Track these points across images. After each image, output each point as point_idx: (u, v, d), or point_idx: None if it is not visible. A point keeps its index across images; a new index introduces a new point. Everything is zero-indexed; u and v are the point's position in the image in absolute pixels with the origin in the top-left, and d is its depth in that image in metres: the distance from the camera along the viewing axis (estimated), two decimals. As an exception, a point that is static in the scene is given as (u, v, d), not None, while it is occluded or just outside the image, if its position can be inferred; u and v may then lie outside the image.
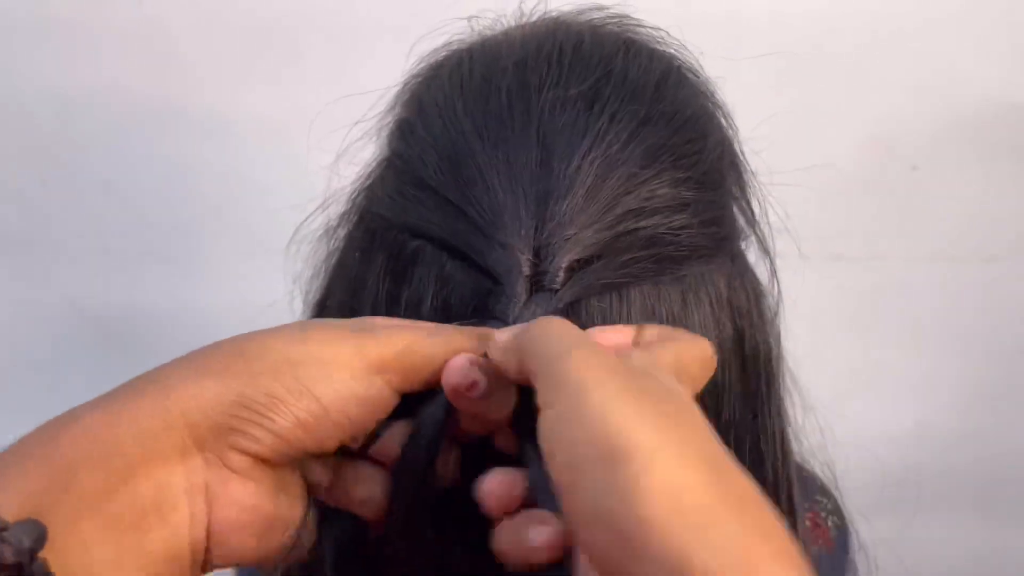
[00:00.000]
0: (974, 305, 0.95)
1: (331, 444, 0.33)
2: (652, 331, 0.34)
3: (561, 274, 0.36)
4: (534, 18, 0.46)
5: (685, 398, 0.30)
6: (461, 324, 0.36)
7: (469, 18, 0.47)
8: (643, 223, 0.37)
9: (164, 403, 0.31)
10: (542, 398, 0.29)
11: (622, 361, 0.30)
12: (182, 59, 0.84)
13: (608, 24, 0.45)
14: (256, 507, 0.33)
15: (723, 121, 0.44)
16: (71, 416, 0.31)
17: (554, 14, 0.46)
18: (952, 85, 0.88)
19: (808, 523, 0.56)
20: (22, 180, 0.88)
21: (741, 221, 0.43)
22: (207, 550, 0.32)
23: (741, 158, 0.44)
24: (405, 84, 0.45)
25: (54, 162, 0.87)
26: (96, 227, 0.89)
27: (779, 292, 0.44)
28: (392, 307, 0.39)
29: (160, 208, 0.88)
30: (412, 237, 0.39)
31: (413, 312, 0.38)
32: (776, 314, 0.44)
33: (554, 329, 0.31)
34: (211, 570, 0.33)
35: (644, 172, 0.37)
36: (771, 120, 0.85)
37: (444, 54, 0.45)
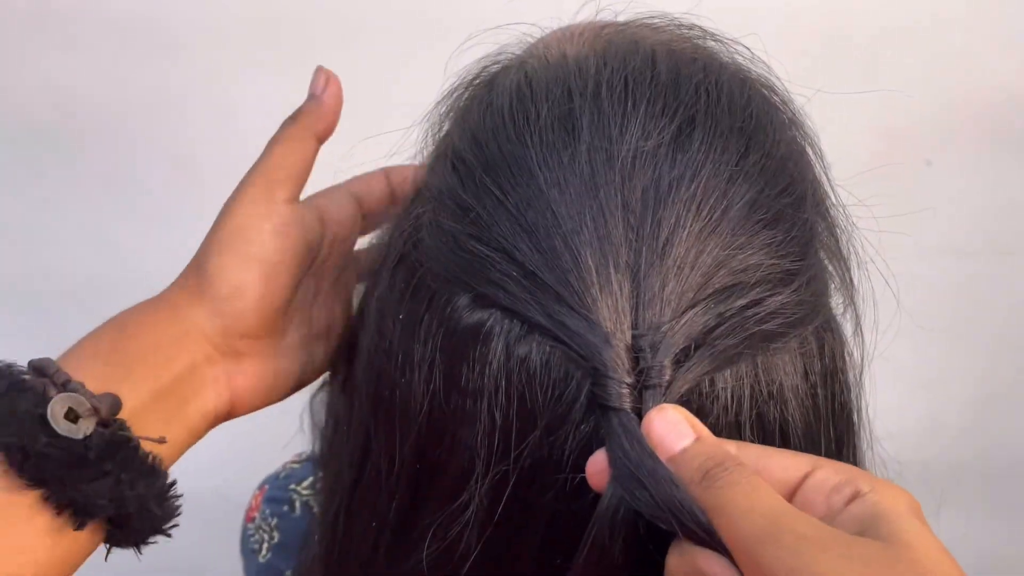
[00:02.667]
0: (986, 299, 0.94)
1: (293, 278, 0.42)
2: (834, 467, 0.30)
3: (667, 370, 0.32)
4: (589, 17, 0.41)
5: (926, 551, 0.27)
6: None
7: (507, 26, 0.42)
8: (743, 301, 0.33)
9: (177, 318, 0.41)
10: (754, 572, 0.27)
11: (842, 541, 0.27)
12: (183, 51, 0.84)
13: (679, 40, 0.40)
14: (262, 373, 0.43)
15: (812, 154, 0.40)
16: (118, 325, 0.40)
17: (616, 25, 0.40)
18: (966, 79, 0.87)
19: None
20: (21, 172, 0.87)
21: (831, 269, 0.39)
22: (231, 408, 0.42)
23: (830, 194, 0.40)
24: (451, 101, 0.41)
25: (54, 154, 0.87)
26: (96, 219, 0.88)
27: (863, 345, 0.41)
28: (450, 392, 0.34)
29: (161, 200, 0.87)
30: (477, 305, 0.34)
31: (475, 399, 0.33)
32: (861, 370, 0.40)
33: (754, 505, 0.28)
34: (238, 415, 0.43)
35: (738, 239, 0.33)
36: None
37: (496, 69, 0.40)
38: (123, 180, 0.87)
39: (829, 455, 0.36)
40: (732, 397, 0.33)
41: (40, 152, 0.87)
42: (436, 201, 0.37)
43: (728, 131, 0.35)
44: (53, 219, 0.89)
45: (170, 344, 0.40)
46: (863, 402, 0.40)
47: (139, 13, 0.83)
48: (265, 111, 0.84)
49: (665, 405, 0.31)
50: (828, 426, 0.36)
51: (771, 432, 0.34)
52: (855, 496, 0.29)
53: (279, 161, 0.43)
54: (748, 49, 0.40)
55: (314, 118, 0.45)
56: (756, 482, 0.29)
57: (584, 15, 0.42)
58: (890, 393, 0.96)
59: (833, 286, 0.39)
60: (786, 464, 0.31)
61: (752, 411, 0.34)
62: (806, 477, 0.30)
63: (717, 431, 0.32)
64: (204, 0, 0.82)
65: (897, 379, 0.97)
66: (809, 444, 0.35)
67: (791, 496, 0.30)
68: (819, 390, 0.36)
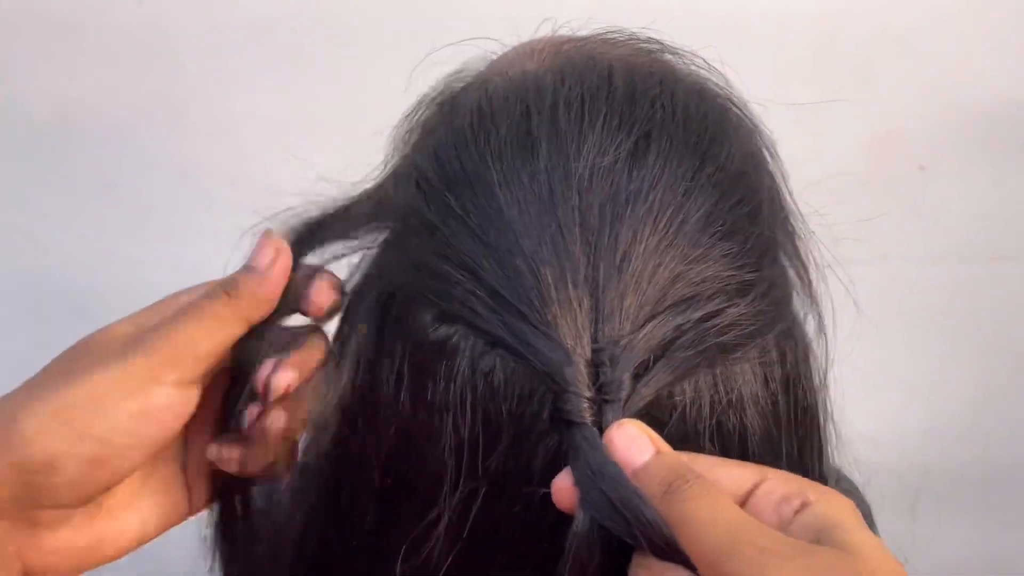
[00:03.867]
0: (982, 305, 0.95)
1: (135, 464, 0.34)
2: (782, 477, 0.31)
3: (627, 384, 0.32)
4: (550, 33, 0.42)
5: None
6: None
7: (471, 40, 0.42)
8: (699, 313, 0.34)
9: None
10: None
11: (802, 550, 0.28)
12: (182, 61, 0.84)
13: (637, 53, 0.40)
14: (71, 547, 0.34)
15: (767, 162, 0.40)
16: None
17: (575, 40, 0.41)
18: (959, 84, 0.87)
19: None
20: (20, 181, 0.87)
21: (791, 274, 0.40)
22: None
23: (790, 201, 0.41)
24: (413, 120, 0.41)
25: (54, 164, 0.87)
26: (96, 229, 0.88)
27: (827, 346, 0.42)
28: (417, 406, 0.35)
29: (162, 211, 0.87)
30: (442, 321, 0.35)
31: (441, 412, 0.34)
32: (825, 372, 0.41)
33: (716, 517, 0.29)
34: None
35: (695, 251, 0.34)
36: (778, 121, 0.84)
37: (458, 87, 0.40)
38: (123, 190, 0.87)
39: (791, 460, 0.37)
40: (691, 406, 0.34)
41: (40, 161, 0.87)
42: (401, 220, 0.38)
43: (684, 145, 0.36)
44: (52, 228, 0.89)
45: None
46: (829, 404, 0.41)
47: (139, 23, 0.83)
48: (264, 121, 0.85)
49: (624, 420, 0.32)
50: (790, 431, 0.37)
51: (730, 439, 0.35)
52: (804, 506, 0.30)
53: (185, 341, 0.34)
54: (705, 61, 0.41)
55: (251, 300, 0.36)
56: (717, 494, 0.30)
57: (544, 31, 0.43)
58: (888, 399, 0.97)
59: (796, 293, 0.40)
60: (735, 475, 0.32)
61: (711, 419, 0.34)
62: (755, 487, 0.31)
63: (676, 440, 0.33)
64: (205, 10, 0.83)
65: (895, 385, 0.98)
66: (769, 450, 0.36)
67: (741, 507, 0.31)
68: (780, 397, 0.36)
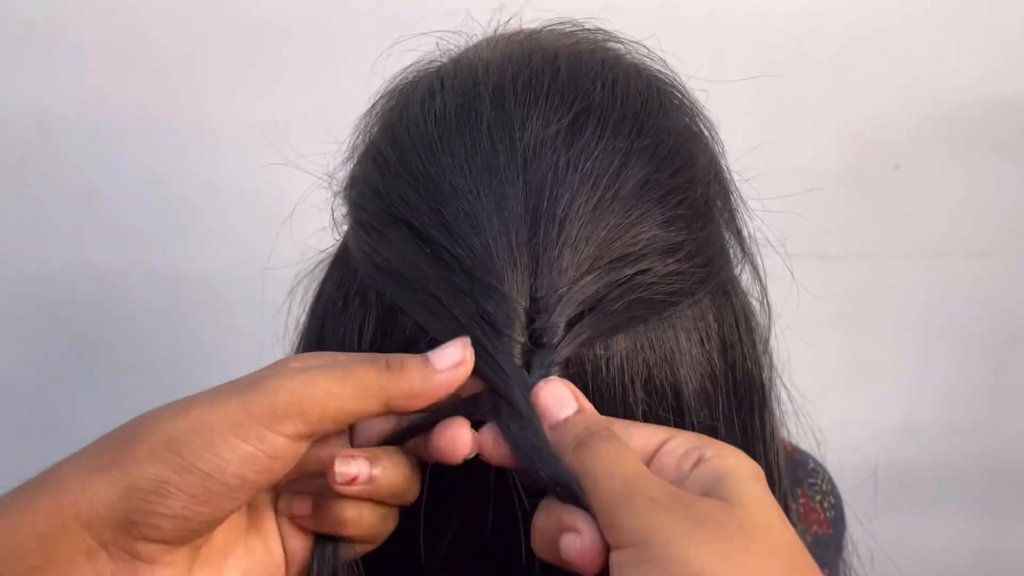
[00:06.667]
0: (959, 300, 0.96)
1: (238, 504, 0.33)
2: (684, 436, 0.34)
3: (560, 330, 0.35)
4: (510, 27, 0.45)
5: (757, 518, 0.30)
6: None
7: (432, 32, 0.45)
8: (632, 270, 0.36)
9: (58, 505, 0.31)
10: (611, 537, 0.30)
11: (684, 501, 0.30)
12: (160, 67, 0.84)
13: (584, 42, 0.43)
14: None
15: (709, 141, 0.43)
16: None
17: (528, 31, 0.44)
18: (933, 82, 0.88)
19: (802, 508, 0.57)
20: (1, 191, 0.87)
21: (733, 245, 0.42)
22: None
23: (729, 178, 0.44)
24: (373, 107, 0.44)
25: (34, 172, 0.86)
26: (75, 237, 0.88)
27: (770, 313, 0.44)
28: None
29: (142, 217, 0.87)
30: (396, 282, 0.38)
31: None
32: (767, 338, 0.43)
33: (615, 470, 0.31)
34: None
35: (630, 214, 0.37)
36: (754, 120, 0.85)
37: (414, 75, 0.44)
38: (102, 197, 0.87)
39: (727, 421, 0.40)
40: (626, 360, 0.37)
41: (19, 170, 0.87)
42: (358, 192, 0.41)
43: (621, 118, 0.38)
44: (32, 237, 0.88)
45: (37, 547, 0.31)
46: (774, 371, 0.44)
47: (116, 29, 0.83)
48: (243, 128, 0.85)
49: (553, 378, 0.35)
50: (728, 392, 0.40)
51: (663, 394, 0.38)
52: (700, 461, 0.33)
53: (318, 395, 0.32)
54: (647, 48, 0.44)
55: (407, 389, 0.33)
56: (623, 450, 0.32)
57: (495, 26, 0.46)
58: (869, 396, 0.98)
59: (738, 265, 0.43)
60: (645, 435, 0.34)
61: (644, 373, 0.37)
62: (662, 445, 0.34)
63: (610, 392, 0.37)
64: (182, 18, 0.83)
65: (875, 382, 0.99)
66: (704, 404, 0.39)
67: (648, 464, 0.33)
68: (715, 357, 0.39)
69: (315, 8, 0.83)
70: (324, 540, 0.36)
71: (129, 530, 0.31)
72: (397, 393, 0.33)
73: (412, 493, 0.36)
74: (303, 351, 0.43)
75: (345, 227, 0.43)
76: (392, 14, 0.82)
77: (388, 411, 0.34)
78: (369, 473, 0.34)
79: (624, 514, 0.30)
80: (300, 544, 0.36)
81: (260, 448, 0.32)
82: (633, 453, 0.33)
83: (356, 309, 0.39)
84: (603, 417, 0.35)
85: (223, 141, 0.85)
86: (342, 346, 0.39)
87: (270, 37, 0.83)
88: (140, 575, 0.32)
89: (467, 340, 0.34)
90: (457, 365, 0.33)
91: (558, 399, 0.34)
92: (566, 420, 0.34)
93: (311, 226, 0.47)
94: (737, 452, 0.33)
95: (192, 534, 0.32)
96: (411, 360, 0.33)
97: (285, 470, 0.33)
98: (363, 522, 0.35)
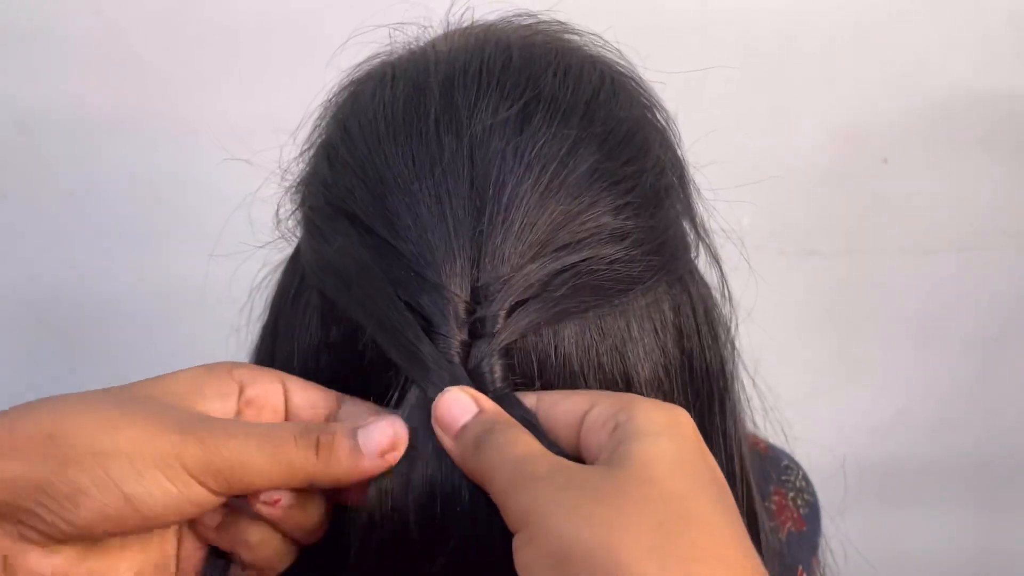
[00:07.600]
0: (948, 295, 0.96)
1: (140, 530, 0.33)
2: (608, 401, 0.33)
3: (500, 320, 0.35)
4: (466, 24, 0.44)
5: (670, 486, 0.30)
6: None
7: (388, 26, 0.44)
8: (578, 257, 0.36)
9: None
10: (508, 524, 0.30)
11: (567, 473, 0.30)
12: (143, 67, 0.83)
13: (540, 33, 0.42)
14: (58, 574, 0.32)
15: (663, 132, 0.42)
16: None
17: (484, 23, 0.44)
18: (920, 77, 0.88)
19: (775, 505, 0.56)
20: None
21: (690, 235, 0.42)
22: None
23: (684, 168, 0.43)
24: (328, 102, 0.43)
25: (16, 173, 0.86)
26: (58, 238, 0.87)
27: (731, 303, 0.44)
28: (321, 353, 0.38)
29: (122, 218, 0.86)
30: (336, 279, 0.37)
31: (343, 357, 0.37)
32: (729, 327, 0.43)
33: (504, 458, 0.31)
34: None
35: (578, 202, 0.36)
36: (741, 117, 0.85)
37: (367, 68, 0.43)
38: (84, 198, 0.86)
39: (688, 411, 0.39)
40: (575, 348, 0.36)
41: (1, 171, 0.86)
42: (307, 186, 0.41)
43: (571, 107, 0.38)
44: (14, 238, 0.88)
45: None
46: (738, 364, 0.43)
47: (99, 29, 0.82)
48: (226, 127, 0.84)
49: (449, 388, 0.34)
50: (685, 383, 0.39)
51: (613, 382, 0.37)
52: (616, 426, 0.32)
53: (248, 468, 0.33)
54: (603, 39, 0.43)
55: (333, 472, 0.33)
56: (513, 436, 0.32)
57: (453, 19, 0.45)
58: (858, 391, 0.98)
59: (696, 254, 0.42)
60: (571, 404, 0.34)
61: (593, 361, 0.37)
62: (586, 414, 0.33)
63: (560, 381, 0.36)
64: (163, 18, 0.82)
65: (864, 377, 0.99)
66: (658, 396, 0.38)
67: (579, 435, 0.33)
68: (670, 346, 0.39)
69: (299, 7, 0.82)
70: (218, 555, 0.36)
71: (25, 518, 0.31)
72: (322, 480, 0.33)
73: (318, 533, 0.36)
74: (261, 342, 0.44)
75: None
76: (381, 13, 0.81)
77: (310, 487, 0.34)
78: (293, 498, 0.34)
79: (511, 498, 0.30)
80: (195, 553, 0.36)
81: (183, 493, 0.32)
82: (525, 436, 0.32)
83: (303, 305, 0.39)
84: (532, 395, 0.35)
85: (205, 141, 0.84)
86: (293, 340, 0.40)
87: (253, 38, 0.83)
88: (28, 555, 0.32)
89: (397, 420, 0.34)
90: (383, 454, 0.33)
91: (456, 405, 0.33)
92: (465, 426, 0.33)
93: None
94: (661, 408, 0.33)
95: (85, 540, 0.32)
96: (341, 445, 0.33)
97: (197, 514, 0.33)
98: (263, 549, 0.35)
